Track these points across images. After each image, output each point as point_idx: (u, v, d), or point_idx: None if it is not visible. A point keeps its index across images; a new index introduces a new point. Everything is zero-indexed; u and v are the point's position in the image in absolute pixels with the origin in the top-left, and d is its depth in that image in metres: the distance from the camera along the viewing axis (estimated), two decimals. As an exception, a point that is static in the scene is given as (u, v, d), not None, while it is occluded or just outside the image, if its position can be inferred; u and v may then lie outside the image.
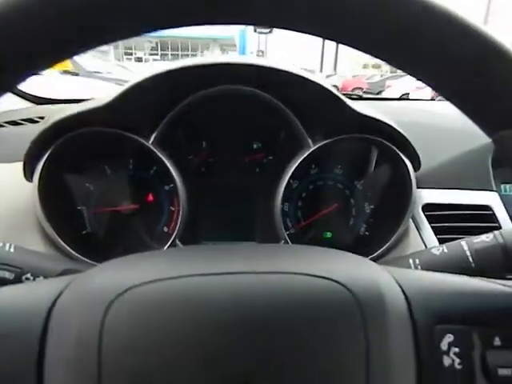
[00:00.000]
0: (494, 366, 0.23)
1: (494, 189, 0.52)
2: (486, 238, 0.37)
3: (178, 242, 0.53)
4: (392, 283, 0.24)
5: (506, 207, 0.57)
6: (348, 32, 0.21)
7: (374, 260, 0.53)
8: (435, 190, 0.55)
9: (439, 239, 0.51)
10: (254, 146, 0.60)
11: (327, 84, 0.47)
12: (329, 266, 0.25)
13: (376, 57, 0.22)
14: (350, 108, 0.47)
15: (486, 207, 0.52)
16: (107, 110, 0.45)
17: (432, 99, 1.23)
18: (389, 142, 0.50)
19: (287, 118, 0.52)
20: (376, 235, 0.57)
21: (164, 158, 0.50)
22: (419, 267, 0.37)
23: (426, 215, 0.54)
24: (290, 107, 0.51)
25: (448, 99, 0.25)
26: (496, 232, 0.37)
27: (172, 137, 0.54)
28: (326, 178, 0.60)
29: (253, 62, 0.45)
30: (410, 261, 0.38)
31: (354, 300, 0.22)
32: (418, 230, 0.53)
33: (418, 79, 0.25)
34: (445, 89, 0.25)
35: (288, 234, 0.59)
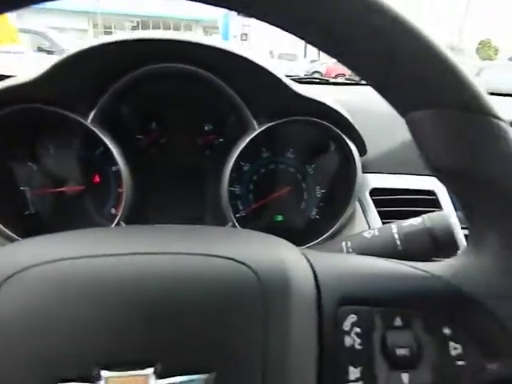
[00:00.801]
0: (393, 346, 0.23)
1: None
2: (414, 222, 0.37)
3: (122, 223, 0.52)
4: (302, 266, 0.24)
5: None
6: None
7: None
8: (382, 174, 0.55)
9: (384, 223, 0.52)
10: (206, 128, 0.59)
11: (271, 67, 0.46)
12: (237, 247, 0.24)
13: (294, 35, 0.23)
14: (293, 91, 0.46)
15: (430, 192, 0.53)
16: (36, 85, 0.43)
17: None
18: (334, 126, 0.50)
19: (233, 99, 0.51)
20: (325, 219, 0.57)
21: (105, 138, 0.49)
22: (351, 250, 0.38)
23: (373, 200, 0.54)
24: (235, 89, 0.50)
25: (365, 80, 0.25)
26: (424, 216, 0.38)
27: (115, 115, 0.52)
28: (278, 161, 0.59)
29: (192, 39, 0.44)
30: (343, 244, 0.38)
31: (257, 281, 0.22)
32: (364, 214, 0.54)
33: (338, 61, 0.25)
34: (359, 69, 0.25)
35: (238, 217, 0.58)
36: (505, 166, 0.24)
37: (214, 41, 0.45)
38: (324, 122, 0.50)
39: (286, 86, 0.46)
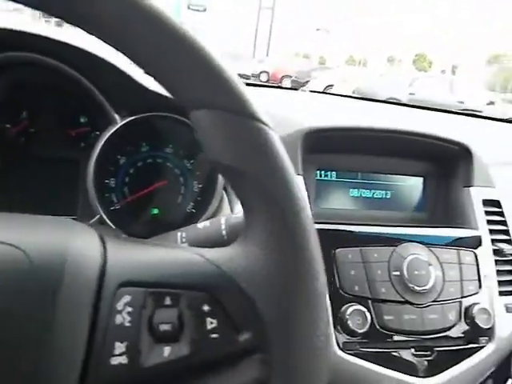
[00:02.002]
0: (158, 323, 0.25)
1: (300, 173, 0.57)
2: (239, 214, 0.40)
3: None
4: (90, 251, 0.26)
5: (318, 191, 0.63)
6: None
7: None
8: None
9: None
10: (82, 120, 0.59)
11: (123, 65, 0.47)
12: (25, 233, 0.25)
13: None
14: (145, 87, 0.48)
15: None
16: None
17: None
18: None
19: (93, 94, 0.51)
20: (200, 212, 0.59)
21: None
22: (184, 240, 0.40)
23: None
24: (94, 84, 0.51)
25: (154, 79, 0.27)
26: None
27: None
28: (157, 156, 0.61)
29: (48, 34, 0.44)
30: (178, 234, 0.41)
31: (30, 266, 0.23)
32: (230, 204, 0.57)
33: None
34: (143, 67, 0.27)
35: (112, 210, 0.59)
36: (266, 164, 0.27)
37: (71, 37, 0.45)
38: (184, 119, 0.52)
39: (138, 84, 0.47)
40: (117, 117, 0.51)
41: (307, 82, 10.47)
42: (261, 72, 14.24)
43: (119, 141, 0.53)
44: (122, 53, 0.26)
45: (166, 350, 0.25)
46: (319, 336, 0.27)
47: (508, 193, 0.69)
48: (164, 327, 0.25)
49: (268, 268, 0.27)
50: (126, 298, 0.26)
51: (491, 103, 7.76)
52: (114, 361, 0.24)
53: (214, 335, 0.25)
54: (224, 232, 0.39)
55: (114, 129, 0.51)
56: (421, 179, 0.67)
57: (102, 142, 0.51)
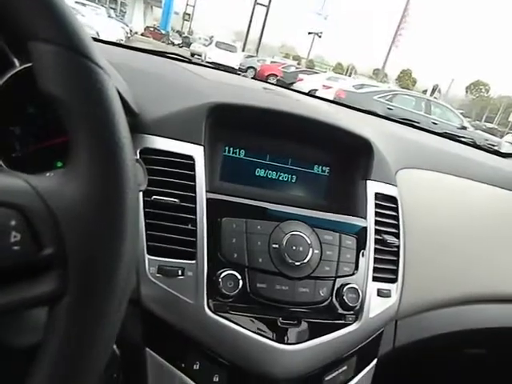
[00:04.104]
0: None
1: (202, 143, 0.60)
2: None
3: None
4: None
5: (224, 166, 0.66)
6: None
7: None
8: (158, 137, 0.61)
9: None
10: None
11: None
12: None
13: None
14: None
15: (190, 157, 0.59)
16: None
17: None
18: None
19: None
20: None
21: None
22: None
23: (142, 158, 0.59)
24: None
25: None
26: None
27: None
28: None
29: None
30: None
31: None
32: None
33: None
34: None
35: (14, 157, 0.60)
36: (93, 102, 0.30)
37: None
38: None
39: None
40: (16, 61, 0.52)
41: (292, 83, 10.55)
42: (248, 67, 14.24)
43: (22, 88, 0.53)
44: None
45: None
46: (119, 264, 0.29)
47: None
48: None
49: (80, 196, 0.29)
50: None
51: (463, 128, 8.05)
52: None
53: (16, 247, 0.27)
54: None
55: (13, 72, 0.52)
56: (327, 168, 0.71)
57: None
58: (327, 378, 0.60)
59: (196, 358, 0.55)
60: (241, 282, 0.54)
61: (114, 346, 0.53)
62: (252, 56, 17.47)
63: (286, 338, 0.56)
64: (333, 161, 0.71)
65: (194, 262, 0.54)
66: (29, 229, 0.28)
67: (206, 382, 0.56)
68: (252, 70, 14.01)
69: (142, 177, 0.49)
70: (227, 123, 0.64)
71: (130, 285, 0.33)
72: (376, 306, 0.62)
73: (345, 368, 0.62)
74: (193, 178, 0.58)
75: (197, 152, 0.59)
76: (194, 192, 0.57)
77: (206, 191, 0.58)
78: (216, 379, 0.56)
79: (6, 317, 0.37)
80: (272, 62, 15.66)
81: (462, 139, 1.24)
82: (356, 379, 0.63)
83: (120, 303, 0.31)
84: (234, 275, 0.54)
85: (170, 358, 0.55)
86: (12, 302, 0.28)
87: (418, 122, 1.26)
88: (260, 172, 0.68)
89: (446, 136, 1.22)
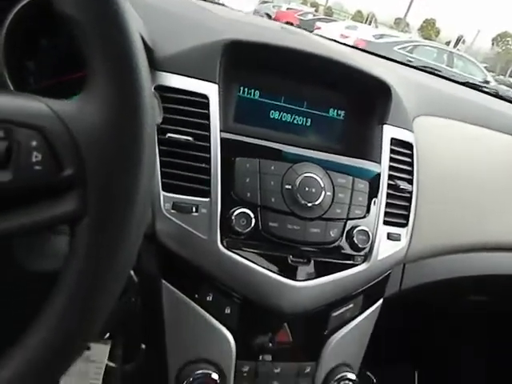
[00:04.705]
0: None
1: (216, 81, 0.59)
2: None
3: None
4: None
5: (238, 107, 0.65)
6: None
7: None
8: (172, 74, 0.60)
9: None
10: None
11: None
12: None
13: None
14: None
15: (204, 95, 0.58)
16: None
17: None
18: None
19: None
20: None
21: None
22: None
23: (159, 94, 0.59)
24: None
25: None
26: None
27: None
28: None
29: None
30: None
31: None
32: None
33: None
34: None
35: (30, 90, 0.60)
36: (109, 22, 0.29)
37: None
38: None
39: None
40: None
41: (309, 32, 10.10)
42: (263, 14, 13.61)
43: (34, 19, 0.52)
44: None
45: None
46: (137, 190, 0.30)
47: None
48: None
49: (99, 120, 0.29)
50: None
51: (486, 82, 7.72)
52: None
53: (38, 167, 0.28)
54: None
55: (25, 2, 0.50)
56: (342, 112, 0.69)
57: (10, 17, 0.51)
58: (334, 314, 0.63)
59: (209, 290, 0.58)
60: (253, 221, 0.55)
61: (133, 273, 0.56)
62: (267, 1, 16.62)
63: (295, 275, 0.58)
64: (349, 104, 0.69)
65: (207, 199, 0.55)
66: (50, 150, 0.29)
67: (218, 313, 0.59)
68: (266, 17, 13.40)
69: (157, 110, 0.49)
70: (242, 62, 0.62)
71: (146, 214, 0.34)
72: (385, 249, 0.63)
73: (351, 306, 0.64)
74: (207, 117, 0.57)
75: (211, 90, 0.58)
76: (209, 131, 0.57)
77: (220, 131, 0.57)
78: (228, 311, 0.59)
79: (28, 240, 0.39)
80: (288, 8, 14.92)
81: (485, 89, 1.19)
82: (362, 317, 0.66)
83: (138, 228, 0.32)
84: (247, 213, 0.55)
85: (185, 289, 0.58)
86: (35, 222, 0.29)
87: (439, 71, 1.22)
88: (274, 114, 0.67)
89: (469, 85, 1.18)
